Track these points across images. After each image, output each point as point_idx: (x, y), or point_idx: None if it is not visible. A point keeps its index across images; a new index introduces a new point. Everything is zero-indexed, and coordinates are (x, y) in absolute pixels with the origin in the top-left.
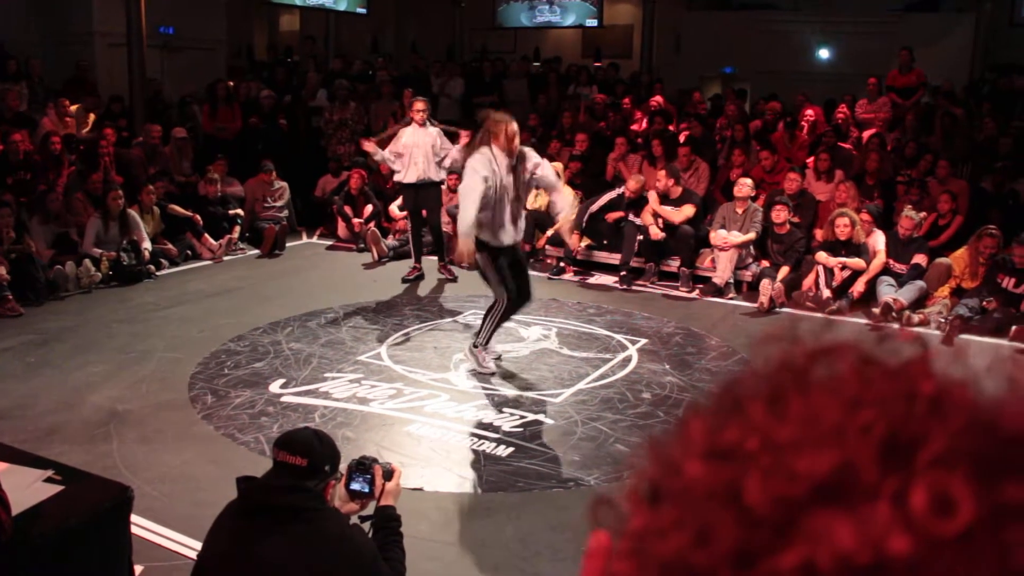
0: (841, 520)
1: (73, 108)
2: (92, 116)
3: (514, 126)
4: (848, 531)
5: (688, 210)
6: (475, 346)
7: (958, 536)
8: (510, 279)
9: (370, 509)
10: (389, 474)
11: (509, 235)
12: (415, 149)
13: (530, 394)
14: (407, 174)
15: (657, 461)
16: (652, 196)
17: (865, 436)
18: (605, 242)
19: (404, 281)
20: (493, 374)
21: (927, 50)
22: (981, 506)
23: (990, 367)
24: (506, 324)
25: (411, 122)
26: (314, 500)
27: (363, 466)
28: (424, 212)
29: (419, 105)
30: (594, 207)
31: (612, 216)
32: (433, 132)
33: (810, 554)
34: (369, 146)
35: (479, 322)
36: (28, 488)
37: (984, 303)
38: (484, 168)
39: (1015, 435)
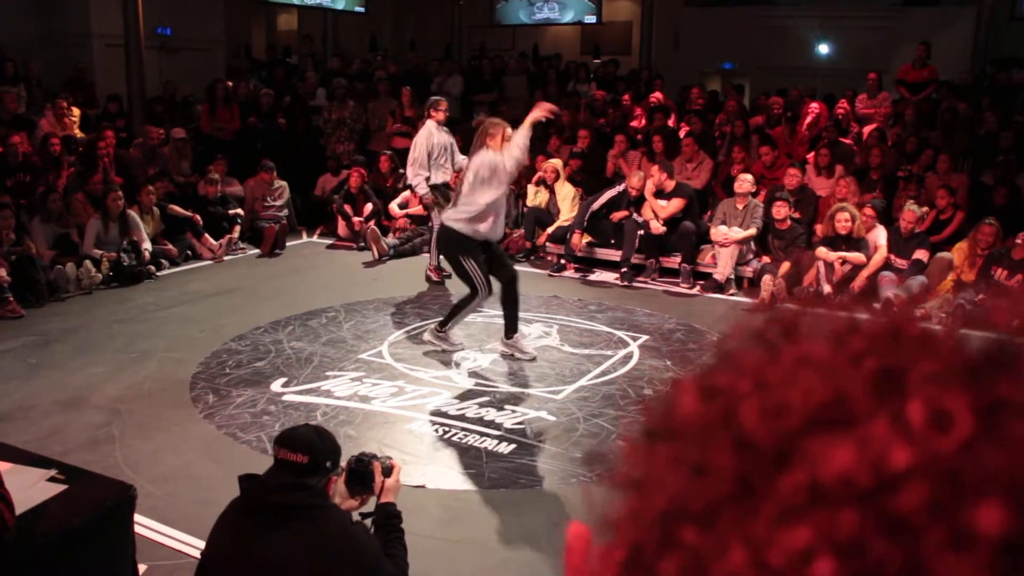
0: (840, 441)
1: (76, 113)
2: (77, 111)
3: (510, 130)
4: (848, 450)
5: (676, 203)
6: (440, 330)
7: (960, 447)
8: (486, 273)
9: (370, 506)
10: (388, 470)
11: (494, 231)
12: (443, 149)
13: (532, 391)
14: (439, 175)
15: (650, 409)
16: (648, 190)
17: (857, 366)
18: (612, 241)
19: (432, 283)
20: (461, 347)
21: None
22: (978, 414)
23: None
24: None
25: (426, 121)
26: (316, 497)
27: (362, 463)
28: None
29: (444, 105)
30: (596, 204)
31: (617, 216)
32: (448, 131)
33: (811, 475)
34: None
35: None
36: (31, 488)
37: (978, 300)
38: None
39: (1002, 340)
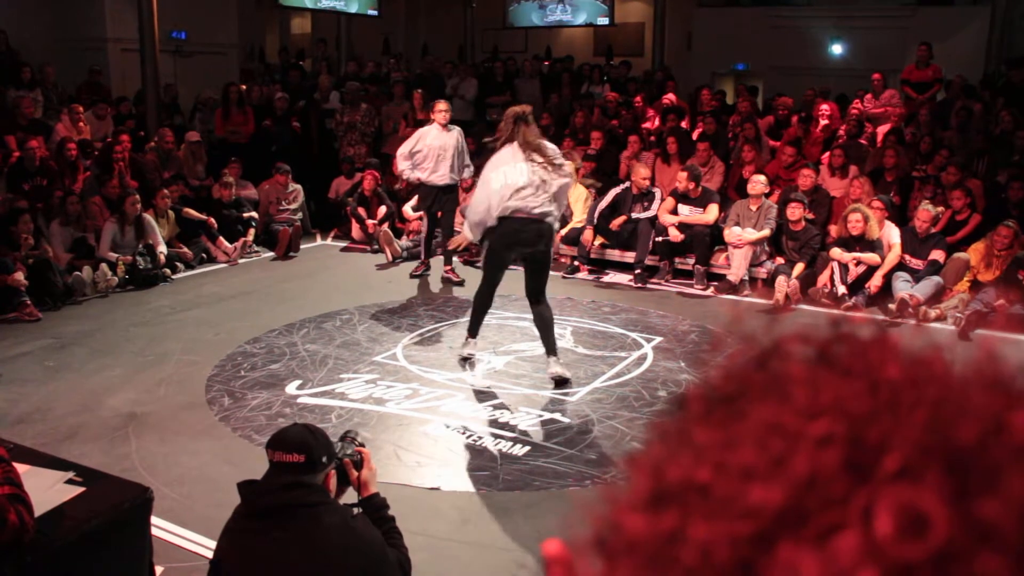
0: (806, 555)
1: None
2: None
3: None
4: (814, 568)
5: (713, 210)
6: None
7: (929, 559)
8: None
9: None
10: (359, 463)
11: None
12: (442, 151)
13: (546, 393)
14: (435, 176)
15: (599, 515)
16: (668, 200)
17: (823, 450)
18: (627, 239)
19: (412, 276)
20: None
21: (941, 44)
22: (953, 524)
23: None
24: (521, 324)
25: (432, 123)
26: (315, 494)
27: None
28: (440, 214)
29: (441, 106)
30: (603, 204)
31: (616, 224)
32: (456, 132)
33: None
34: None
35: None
36: (50, 489)
37: (997, 304)
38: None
39: (982, 433)
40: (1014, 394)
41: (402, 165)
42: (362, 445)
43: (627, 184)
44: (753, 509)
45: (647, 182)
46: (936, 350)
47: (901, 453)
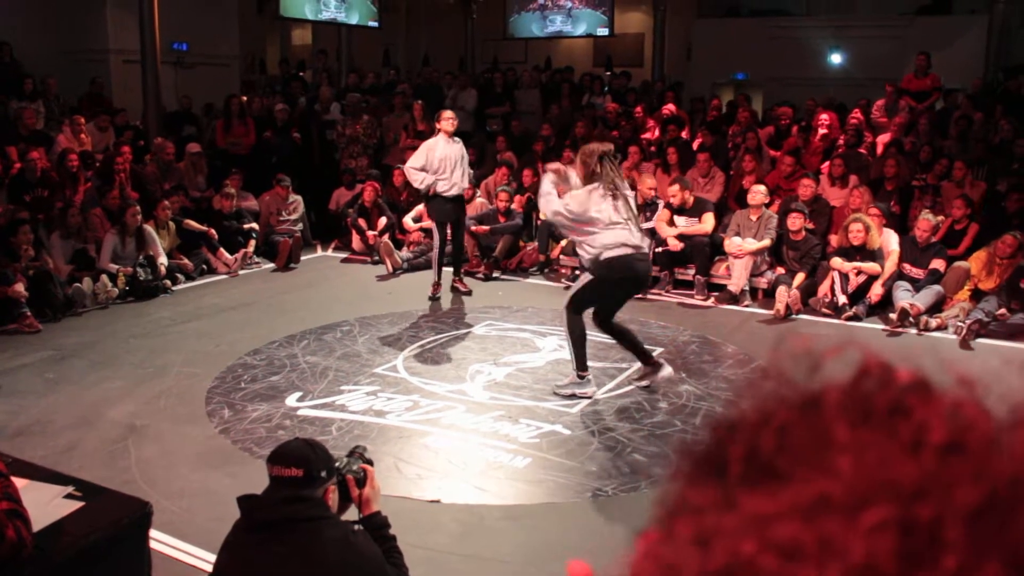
0: None
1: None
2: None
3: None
4: None
5: (709, 219)
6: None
7: None
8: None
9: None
10: (362, 480)
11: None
12: (448, 162)
13: (546, 404)
14: (448, 187)
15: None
16: (663, 212)
17: (877, 536)
18: None
19: (431, 299)
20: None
21: (940, 53)
22: None
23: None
24: (522, 335)
25: (438, 134)
26: (315, 508)
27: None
28: (449, 227)
29: (448, 115)
30: None
31: None
32: (460, 144)
33: None
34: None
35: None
36: (48, 504)
37: (998, 313)
38: None
39: None
40: None
41: (418, 176)
42: (369, 462)
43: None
44: None
45: (653, 192)
46: (971, 390)
47: (957, 550)
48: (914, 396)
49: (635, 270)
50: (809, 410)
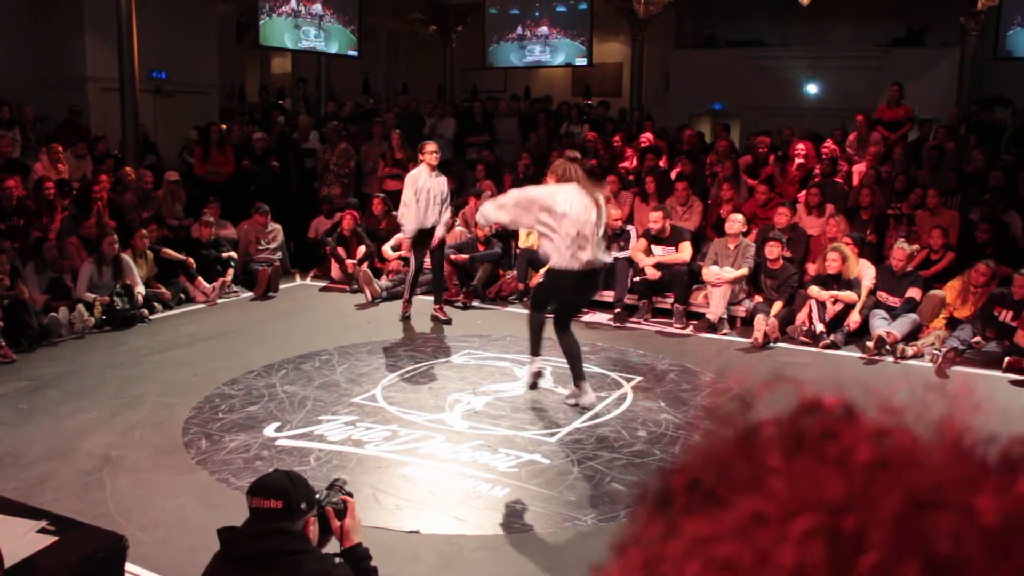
0: None
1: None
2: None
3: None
4: None
5: (686, 248)
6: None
7: None
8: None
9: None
10: (342, 512)
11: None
12: (428, 194)
13: (525, 434)
14: (426, 218)
15: None
16: (640, 241)
17: (806, 544)
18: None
19: (402, 319)
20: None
21: (913, 84)
22: None
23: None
24: (501, 364)
25: (420, 165)
26: (295, 541)
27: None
28: (428, 254)
29: (431, 147)
30: None
31: None
32: (444, 179)
33: None
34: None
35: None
36: (21, 539)
37: (973, 341)
38: None
39: (953, 524)
40: (980, 469)
41: (402, 220)
42: (349, 494)
43: None
44: None
45: (619, 223)
46: (900, 419)
47: (878, 550)
48: (842, 422)
49: (575, 284)
50: (746, 443)
